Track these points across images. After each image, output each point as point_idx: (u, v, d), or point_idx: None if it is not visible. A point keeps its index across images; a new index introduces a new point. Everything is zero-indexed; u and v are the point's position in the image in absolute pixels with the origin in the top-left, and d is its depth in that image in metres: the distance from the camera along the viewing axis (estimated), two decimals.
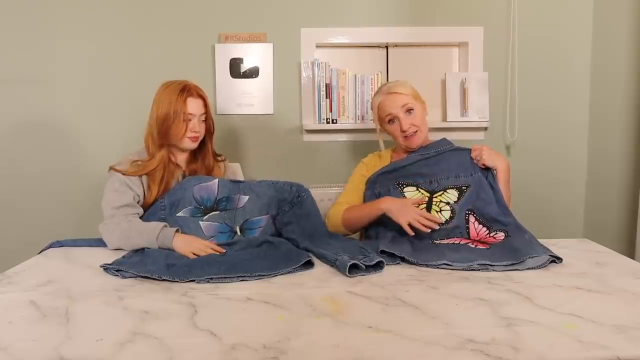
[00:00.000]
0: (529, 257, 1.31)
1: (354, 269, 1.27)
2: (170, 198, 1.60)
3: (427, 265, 1.33)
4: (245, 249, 1.49)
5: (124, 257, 1.44)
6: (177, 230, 1.50)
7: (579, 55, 2.53)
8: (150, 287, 1.21)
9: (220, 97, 2.45)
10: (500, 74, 2.53)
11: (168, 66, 2.40)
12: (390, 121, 1.75)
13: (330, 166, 2.53)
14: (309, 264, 1.35)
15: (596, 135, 2.53)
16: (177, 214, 1.58)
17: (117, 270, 1.29)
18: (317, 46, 2.48)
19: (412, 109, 1.73)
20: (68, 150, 2.45)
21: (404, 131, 1.72)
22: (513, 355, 0.83)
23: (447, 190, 1.65)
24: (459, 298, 1.10)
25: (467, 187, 1.65)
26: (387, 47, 2.56)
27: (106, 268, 1.32)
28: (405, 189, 1.69)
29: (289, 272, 1.30)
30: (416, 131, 1.73)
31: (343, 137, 2.53)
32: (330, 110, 2.44)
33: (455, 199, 1.63)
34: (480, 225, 1.59)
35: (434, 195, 1.65)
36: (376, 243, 1.47)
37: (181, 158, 1.74)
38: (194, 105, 1.65)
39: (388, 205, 1.59)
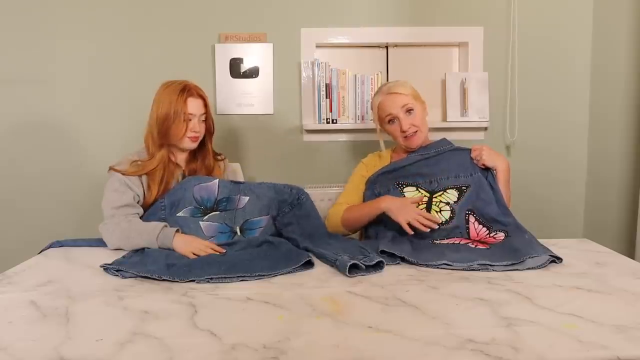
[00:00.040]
0: (529, 257, 1.31)
1: (354, 269, 1.27)
2: (171, 198, 1.60)
3: (427, 265, 1.33)
4: (245, 249, 1.49)
5: (124, 257, 1.44)
6: (177, 230, 1.50)
7: (579, 55, 2.53)
8: (150, 287, 1.21)
9: (220, 97, 2.45)
10: (500, 74, 2.53)
11: (168, 66, 2.40)
12: (390, 121, 1.75)
13: (330, 166, 2.53)
14: (309, 264, 1.35)
15: (596, 135, 2.53)
16: (177, 214, 1.58)
17: (117, 270, 1.29)
18: (317, 46, 2.48)
19: (412, 109, 1.73)
20: (68, 150, 2.45)
21: (404, 131, 1.72)
22: (513, 355, 0.83)
23: (447, 191, 1.65)
24: (459, 298, 1.10)
25: (467, 187, 1.65)
26: (387, 47, 2.57)
27: (106, 268, 1.32)
28: (405, 189, 1.69)
29: (289, 272, 1.30)
30: (416, 131, 1.73)
31: (343, 137, 2.53)
32: (330, 110, 2.44)
33: (455, 199, 1.63)
34: (480, 226, 1.59)
35: (434, 196, 1.65)
36: (376, 243, 1.47)
37: (181, 158, 1.74)
38: (194, 105, 1.65)
39: (388, 204, 1.60)
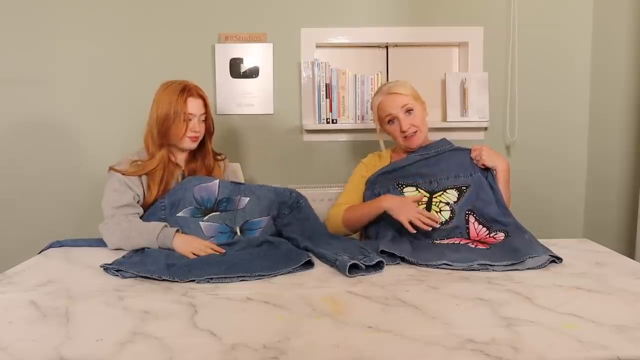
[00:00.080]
0: (529, 257, 1.31)
1: (354, 269, 1.27)
2: (171, 198, 1.60)
3: (427, 265, 1.33)
4: (245, 248, 1.49)
5: (124, 257, 1.44)
6: (177, 230, 1.50)
7: (579, 55, 2.53)
8: (150, 287, 1.21)
9: (220, 97, 2.45)
10: (500, 74, 2.53)
11: (168, 66, 2.40)
12: (390, 121, 1.75)
13: (330, 166, 2.53)
14: (309, 264, 1.35)
15: (596, 135, 2.53)
16: (177, 214, 1.58)
17: (117, 270, 1.29)
18: (317, 46, 2.48)
19: (412, 109, 1.73)
20: (68, 150, 2.45)
21: (403, 131, 1.72)
22: (513, 355, 0.83)
23: (447, 191, 1.65)
24: (459, 298, 1.10)
25: (466, 187, 1.65)
26: (387, 47, 2.57)
27: (106, 268, 1.32)
28: (405, 189, 1.69)
29: (289, 272, 1.30)
30: (416, 131, 1.73)
31: (343, 137, 2.53)
32: (330, 110, 2.44)
33: (455, 199, 1.63)
34: (480, 226, 1.59)
35: (434, 196, 1.65)
36: (376, 243, 1.47)
37: (181, 158, 1.74)
38: (194, 105, 1.65)
39: (389, 203, 1.60)
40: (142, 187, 1.63)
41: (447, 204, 1.63)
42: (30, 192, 2.46)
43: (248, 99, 2.47)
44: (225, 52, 2.43)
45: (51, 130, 2.44)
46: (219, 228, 1.58)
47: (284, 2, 2.44)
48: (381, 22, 2.47)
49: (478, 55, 2.50)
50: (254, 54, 2.44)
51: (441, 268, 1.32)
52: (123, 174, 1.61)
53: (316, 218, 1.67)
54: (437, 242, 1.55)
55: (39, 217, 2.46)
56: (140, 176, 1.63)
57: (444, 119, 2.55)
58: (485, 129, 2.55)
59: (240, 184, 1.69)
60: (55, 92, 2.42)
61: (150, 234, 1.48)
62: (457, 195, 1.64)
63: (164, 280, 1.25)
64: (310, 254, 1.40)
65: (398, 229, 1.61)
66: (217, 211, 1.61)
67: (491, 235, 1.56)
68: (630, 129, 2.30)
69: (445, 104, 2.52)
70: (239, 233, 1.59)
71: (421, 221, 1.52)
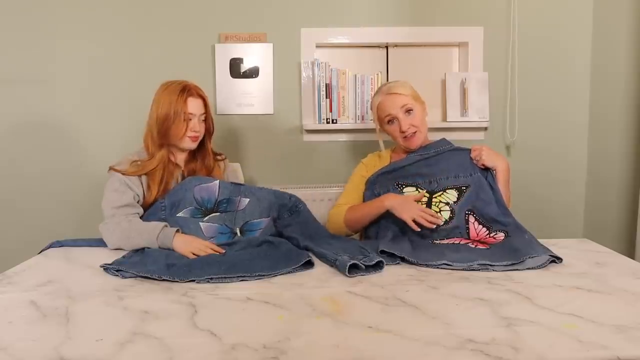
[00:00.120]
0: (529, 257, 1.31)
1: (353, 269, 1.27)
2: (171, 198, 1.60)
3: (427, 265, 1.33)
4: (245, 248, 1.49)
5: (124, 257, 1.44)
6: (177, 230, 1.50)
7: (579, 55, 2.53)
8: (150, 287, 1.21)
9: (220, 97, 2.45)
10: (500, 74, 2.53)
11: (168, 66, 2.40)
12: (390, 122, 1.75)
13: (330, 166, 2.53)
14: (309, 264, 1.35)
15: (596, 135, 2.53)
16: (178, 215, 1.58)
17: (117, 270, 1.29)
18: (317, 46, 2.48)
19: (412, 110, 1.73)
20: (68, 150, 2.45)
21: (403, 132, 1.72)
22: (513, 355, 0.83)
23: (447, 191, 1.65)
24: (459, 298, 1.10)
25: (466, 187, 1.65)
26: (387, 47, 2.57)
27: (106, 268, 1.32)
28: (404, 190, 1.69)
29: (289, 272, 1.30)
30: (415, 132, 1.73)
31: (343, 137, 2.53)
32: (330, 110, 2.44)
33: (455, 199, 1.63)
34: (480, 226, 1.59)
35: (434, 196, 1.65)
36: (376, 243, 1.47)
37: (180, 158, 1.74)
38: (194, 105, 1.65)
39: (391, 202, 1.60)
40: (142, 187, 1.63)
41: (447, 204, 1.63)
42: (30, 192, 2.46)
43: (248, 99, 2.47)
44: (225, 52, 2.43)
45: (51, 130, 2.44)
46: (219, 229, 1.58)
47: (284, 2, 2.44)
48: (381, 22, 2.47)
49: (478, 55, 2.50)
50: (254, 54, 2.44)
51: (441, 268, 1.32)
52: (123, 174, 1.61)
53: (315, 220, 1.67)
54: (437, 242, 1.55)
55: (39, 217, 2.46)
56: (140, 176, 1.63)
57: (444, 119, 2.55)
58: (485, 129, 2.55)
59: (241, 185, 1.69)
60: (55, 92, 2.42)
61: (151, 233, 1.48)
62: (457, 195, 1.64)
63: (164, 280, 1.24)
64: (310, 254, 1.40)
65: (398, 229, 1.62)
66: (217, 212, 1.61)
67: (491, 235, 1.56)
68: (630, 129, 2.30)
69: (445, 104, 2.52)
70: (239, 234, 1.59)
71: (424, 219, 1.52)
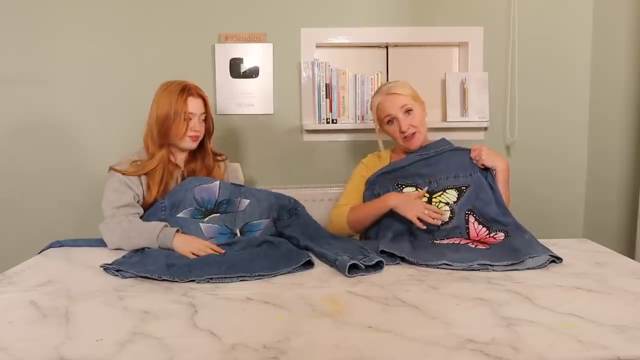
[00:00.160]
0: (529, 257, 1.31)
1: (353, 269, 1.27)
2: (171, 199, 1.60)
3: (427, 265, 1.33)
4: (245, 248, 1.49)
5: (124, 257, 1.44)
6: (177, 230, 1.50)
7: (579, 55, 2.53)
8: (150, 287, 1.21)
9: (220, 97, 2.45)
10: (500, 74, 2.53)
11: (168, 66, 2.40)
12: (390, 122, 1.75)
13: (330, 166, 2.53)
14: (309, 264, 1.35)
15: (596, 135, 2.53)
16: (178, 215, 1.58)
17: (117, 270, 1.29)
18: (317, 46, 2.48)
19: (411, 110, 1.73)
20: (68, 150, 2.45)
21: (403, 132, 1.72)
22: (513, 355, 0.83)
23: (447, 191, 1.65)
24: (459, 298, 1.10)
25: (466, 187, 1.65)
26: (387, 47, 2.57)
27: (106, 268, 1.32)
28: (404, 190, 1.69)
29: (289, 272, 1.30)
30: (415, 132, 1.73)
31: (343, 137, 2.53)
32: (330, 110, 2.44)
33: (455, 199, 1.63)
34: (480, 226, 1.59)
35: (434, 196, 1.65)
36: (376, 243, 1.47)
37: (180, 158, 1.74)
38: (194, 105, 1.65)
39: (395, 201, 1.60)
40: (142, 187, 1.63)
41: (447, 204, 1.63)
42: (30, 192, 2.46)
43: (248, 99, 2.47)
44: (225, 52, 2.43)
45: (51, 130, 2.44)
46: (219, 229, 1.58)
47: (284, 2, 2.44)
48: (381, 22, 2.47)
49: (478, 55, 2.50)
50: (254, 54, 2.44)
51: (441, 268, 1.32)
52: (123, 174, 1.61)
53: (315, 222, 1.68)
54: (437, 242, 1.55)
55: (39, 217, 2.46)
56: (139, 176, 1.63)
57: (444, 119, 2.55)
58: (485, 129, 2.55)
59: (241, 186, 1.69)
60: (55, 92, 2.42)
61: (151, 233, 1.48)
62: (456, 195, 1.64)
63: (164, 280, 1.24)
64: (310, 254, 1.40)
65: (398, 229, 1.62)
66: (217, 213, 1.61)
67: (491, 235, 1.56)
68: (630, 129, 2.30)
69: (445, 104, 2.52)
70: (239, 235, 1.59)
71: (429, 216, 1.53)
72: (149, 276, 1.25)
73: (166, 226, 1.50)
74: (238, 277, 1.25)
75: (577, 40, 2.52)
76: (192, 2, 2.42)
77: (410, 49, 2.57)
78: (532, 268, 1.29)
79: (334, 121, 2.44)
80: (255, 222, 1.62)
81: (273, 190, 1.76)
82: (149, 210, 1.62)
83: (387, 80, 2.52)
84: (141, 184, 1.63)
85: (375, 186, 1.74)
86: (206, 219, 1.59)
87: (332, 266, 1.34)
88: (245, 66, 2.45)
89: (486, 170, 1.66)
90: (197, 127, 1.67)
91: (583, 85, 2.55)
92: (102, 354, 0.86)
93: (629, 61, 2.30)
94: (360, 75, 2.44)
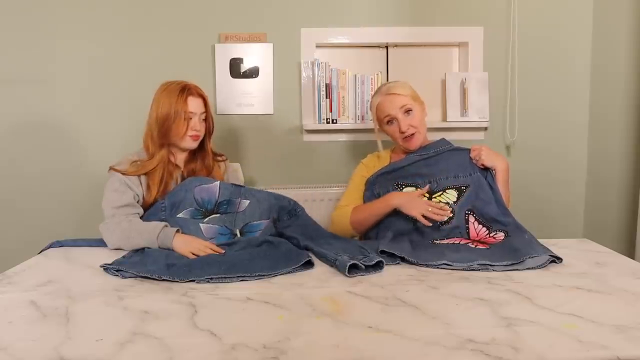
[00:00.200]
0: (529, 257, 1.31)
1: (353, 269, 1.27)
2: (171, 199, 1.60)
3: (427, 265, 1.33)
4: (245, 248, 1.49)
5: (124, 257, 1.44)
6: (177, 230, 1.50)
7: (579, 55, 2.53)
8: (150, 287, 1.21)
9: (220, 97, 2.45)
10: (500, 74, 2.53)
11: (168, 66, 2.40)
12: (389, 122, 1.75)
13: (330, 166, 2.53)
14: (309, 264, 1.35)
15: (596, 135, 2.53)
16: (178, 215, 1.58)
17: (117, 270, 1.29)
18: (317, 46, 2.48)
19: (411, 110, 1.73)
20: (68, 150, 2.45)
21: (402, 132, 1.72)
22: (513, 355, 0.83)
23: (447, 191, 1.65)
24: (459, 298, 1.10)
25: (466, 187, 1.65)
26: (387, 47, 2.57)
27: (106, 268, 1.32)
28: (404, 190, 1.69)
29: (289, 272, 1.30)
30: (414, 132, 1.73)
31: (343, 137, 2.53)
32: (330, 110, 2.44)
33: (455, 199, 1.63)
34: (480, 225, 1.59)
35: (433, 196, 1.65)
36: (376, 243, 1.47)
37: (180, 158, 1.74)
38: (194, 104, 1.66)
39: (399, 200, 1.60)
40: (142, 187, 1.63)
41: (447, 204, 1.63)
42: (30, 192, 2.46)
43: (248, 99, 2.47)
44: (225, 52, 2.43)
45: (51, 130, 2.44)
46: (218, 230, 1.58)
47: (284, 2, 2.44)
48: (381, 22, 2.47)
49: (478, 55, 2.50)
50: (254, 54, 2.44)
51: (441, 268, 1.32)
52: (123, 174, 1.61)
53: (315, 222, 1.68)
54: (437, 242, 1.55)
55: (39, 217, 2.46)
56: (139, 176, 1.63)
57: (444, 119, 2.55)
58: (485, 129, 2.55)
59: (241, 186, 1.69)
60: (55, 92, 2.42)
61: (151, 233, 1.48)
62: (456, 195, 1.64)
63: (164, 280, 1.25)
64: (310, 254, 1.40)
65: (398, 229, 1.62)
66: (217, 213, 1.61)
67: (491, 235, 1.56)
68: (630, 129, 2.30)
69: (445, 104, 2.52)
70: (238, 235, 1.59)
71: (433, 213, 1.53)
72: (149, 276, 1.25)
73: (166, 226, 1.50)
74: (238, 277, 1.25)
75: (577, 40, 2.52)
76: (192, 2, 2.42)
77: (410, 49, 2.57)
78: (532, 268, 1.29)
79: (334, 121, 2.44)
80: (255, 222, 1.62)
81: (273, 191, 1.76)
82: (149, 211, 1.62)
83: (387, 80, 2.52)
84: (141, 184, 1.63)
85: (375, 186, 1.74)
86: (206, 219, 1.59)
87: (332, 266, 1.34)
88: (245, 66, 2.45)
89: (486, 170, 1.67)
90: (197, 126, 1.67)
91: (583, 85, 2.55)
92: (102, 354, 0.86)
93: (629, 61, 2.30)
94: (360, 75, 2.44)
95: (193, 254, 1.43)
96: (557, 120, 2.56)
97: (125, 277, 1.27)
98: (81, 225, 2.44)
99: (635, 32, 2.26)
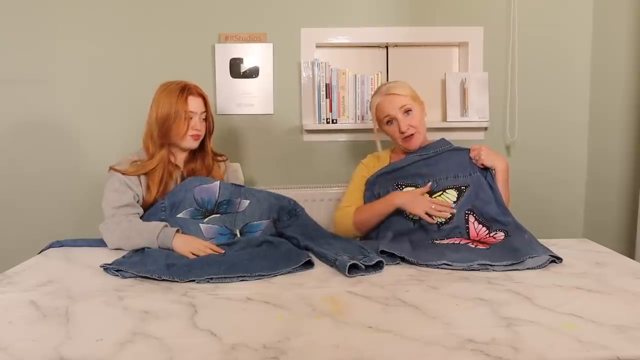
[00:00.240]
0: (529, 257, 1.31)
1: (353, 269, 1.27)
2: (171, 199, 1.60)
3: (427, 265, 1.33)
4: (245, 248, 1.49)
5: (124, 257, 1.44)
6: (177, 230, 1.50)
7: (579, 55, 2.53)
8: (150, 287, 1.21)
9: (220, 97, 2.45)
10: (500, 74, 2.53)
11: (168, 66, 2.40)
12: (389, 122, 1.75)
13: (330, 166, 2.53)
14: (309, 264, 1.35)
15: (596, 135, 2.53)
16: (178, 215, 1.58)
17: (117, 270, 1.29)
18: (317, 46, 2.48)
19: (411, 110, 1.73)
20: (68, 150, 2.45)
21: (402, 132, 1.72)
22: (513, 355, 0.83)
23: (447, 191, 1.65)
24: (459, 298, 1.10)
25: (466, 187, 1.65)
26: (387, 47, 2.57)
27: (106, 268, 1.32)
28: (404, 190, 1.69)
29: (289, 272, 1.30)
30: (414, 132, 1.72)
31: (343, 137, 2.53)
32: (330, 110, 2.44)
33: (455, 199, 1.63)
34: (480, 225, 1.59)
35: (433, 196, 1.65)
36: (376, 243, 1.47)
37: (180, 158, 1.74)
38: (194, 104, 1.66)
39: (401, 199, 1.61)
40: (141, 187, 1.63)
41: None
42: (30, 192, 2.46)
43: (248, 99, 2.47)
44: (225, 52, 2.43)
45: (51, 130, 2.44)
46: (218, 230, 1.58)
47: (284, 2, 2.44)
48: (381, 22, 2.47)
49: (478, 55, 2.50)
50: (254, 54, 2.44)
51: (441, 268, 1.32)
52: (123, 174, 1.61)
53: (315, 222, 1.68)
54: (437, 242, 1.55)
55: (39, 217, 2.46)
56: (139, 176, 1.63)
57: (444, 119, 2.55)
58: (485, 129, 2.55)
59: (241, 186, 1.69)
60: (55, 92, 2.42)
61: (151, 233, 1.48)
62: (456, 195, 1.64)
63: (164, 280, 1.25)
64: (310, 254, 1.40)
65: (398, 229, 1.62)
66: (217, 213, 1.61)
67: (491, 235, 1.56)
68: (630, 129, 2.30)
69: (445, 104, 2.52)
70: (238, 235, 1.59)
71: (437, 210, 1.53)
72: (149, 276, 1.25)
73: (166, 226, 1.50)
74: (238, 277, 1.25)
75: (577, 40, 2.52)
76: (192, 2, 2.42)
77: (410, 49, 2.57)
78: (532, 268, 1.29)
79: (334, 121, 2.44)
80: (255, 222, 1.62)
81: (273, 191, 1.76)
82: (149, 211, 1.62)
83: (387, 80, 2.52)
84: (140, 184, 1.63)
85: (375, 186, 1.74)
86: (206, 219, 1.59)
87: (332, 266, 1.34)
88: (245, 66, 2.45)
89: (486, 170, 1.67)
90: (198, 126, 1.67)
91: (583, 85, 2.55)
92: (102, 354, 0.86)
93: (629, 61, 2.30)
94: (360, 75, 2.44)
95: (193, 254, 1.43)
96: (557, 120, 2.56)
97: (125, 277, 1.27)
98: (81, 225, 2.44)
99: (635, 32, 2.26)
